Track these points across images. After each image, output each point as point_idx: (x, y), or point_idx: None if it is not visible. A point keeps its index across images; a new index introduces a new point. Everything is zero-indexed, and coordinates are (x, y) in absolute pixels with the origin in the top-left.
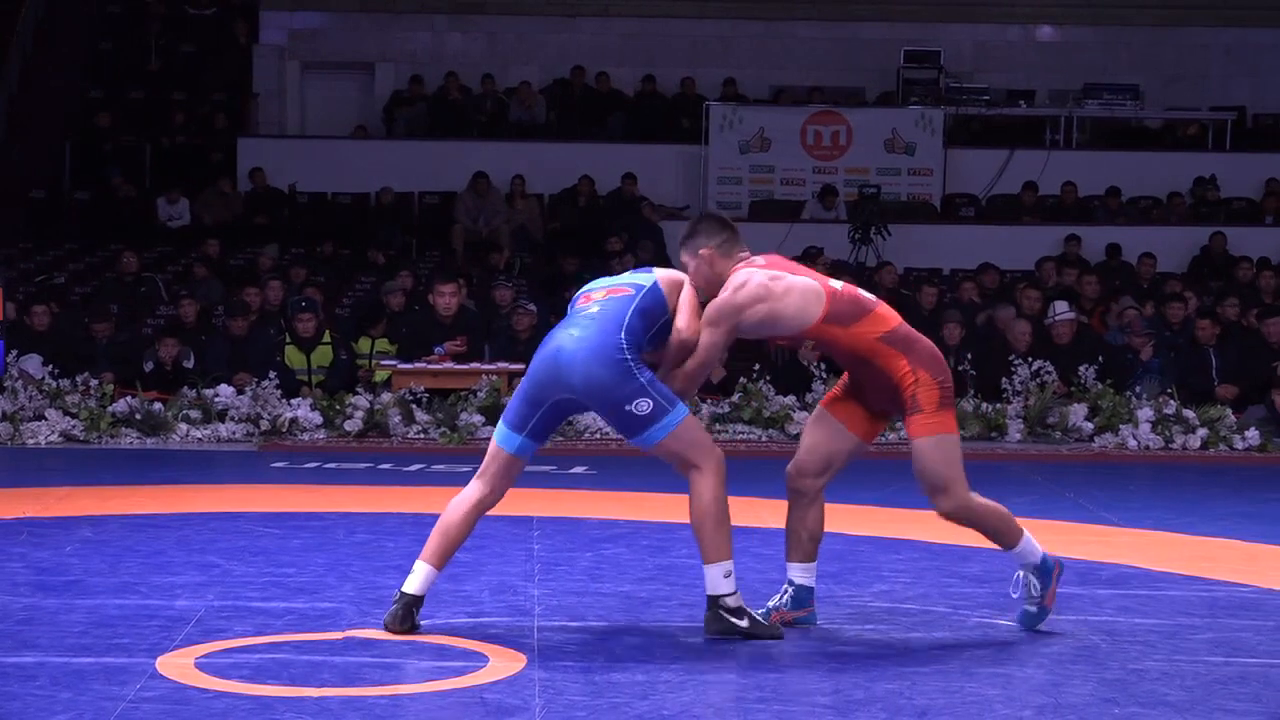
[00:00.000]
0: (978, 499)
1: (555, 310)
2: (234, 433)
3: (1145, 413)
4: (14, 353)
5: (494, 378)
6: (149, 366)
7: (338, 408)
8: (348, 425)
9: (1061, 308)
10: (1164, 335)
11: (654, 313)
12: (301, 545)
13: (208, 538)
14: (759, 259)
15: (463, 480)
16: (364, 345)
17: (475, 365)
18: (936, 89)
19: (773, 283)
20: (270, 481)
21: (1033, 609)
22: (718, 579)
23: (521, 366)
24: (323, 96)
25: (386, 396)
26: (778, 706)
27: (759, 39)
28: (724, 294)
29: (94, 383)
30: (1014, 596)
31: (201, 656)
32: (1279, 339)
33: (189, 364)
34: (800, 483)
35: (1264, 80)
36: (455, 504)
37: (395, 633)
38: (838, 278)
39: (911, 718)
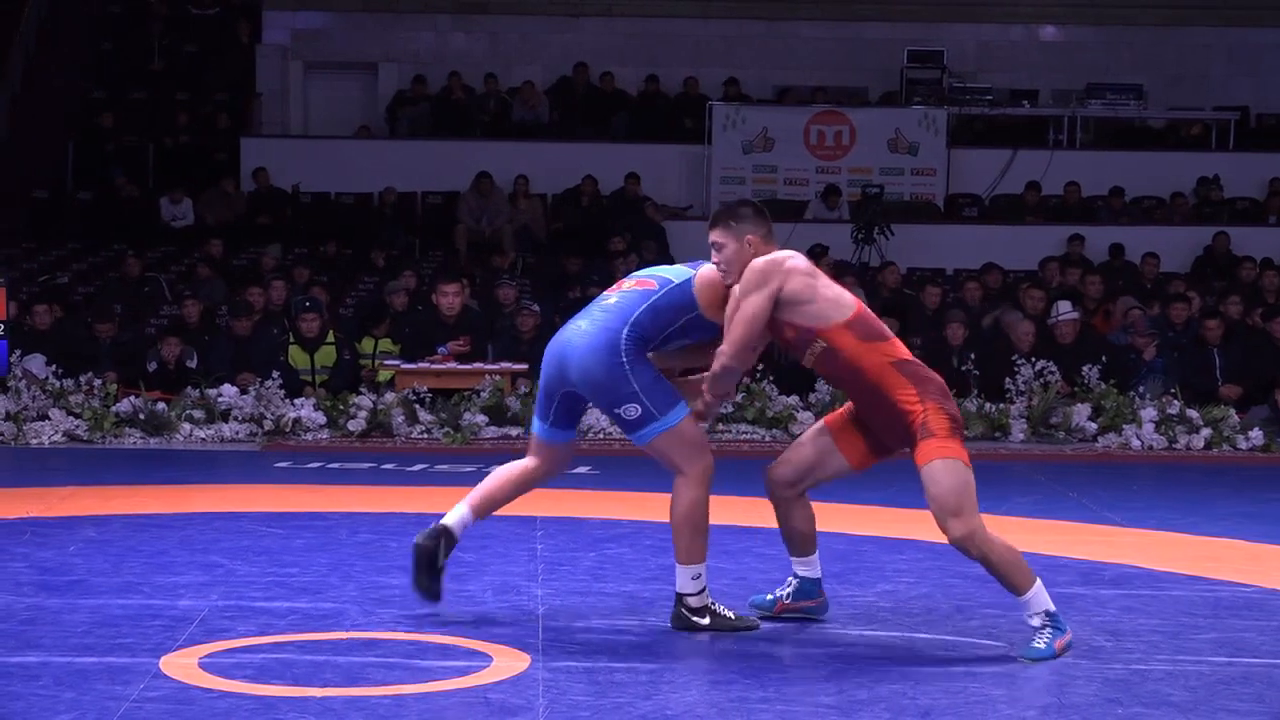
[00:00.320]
0: (995, 534)
1: (559, 310)
2: (237, 433)
3: (1149, 413)
4: (17, 352)
5: (497, 378)
6: (152, 366)
7: (341, 408)
8: (351, 425)
9: (1065, 308)
10: (1167, 335)
11: (675, 310)
12: (305, 545)
13: (211, 537)
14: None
15: (466, 480)
16: (367, 345)
17: (478, 365)
18: (940, 89)
19: (816, 268)
20: (273, 481)
21: (1041, 645)
22: (686, 580)
23: (524, 367)
24: (326, 96)
25: (390, 396)
26: (781, 706)
27: (762, 39)
28: (767, 258)
29: (97, 383)
30: (1032, 624)
31: (205, 656)
32: None
33: (192, 364)
34: (773, 488)
35: (1267, 80)
36: (508, 465)
37: (418, 543)
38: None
39: (915, 718)
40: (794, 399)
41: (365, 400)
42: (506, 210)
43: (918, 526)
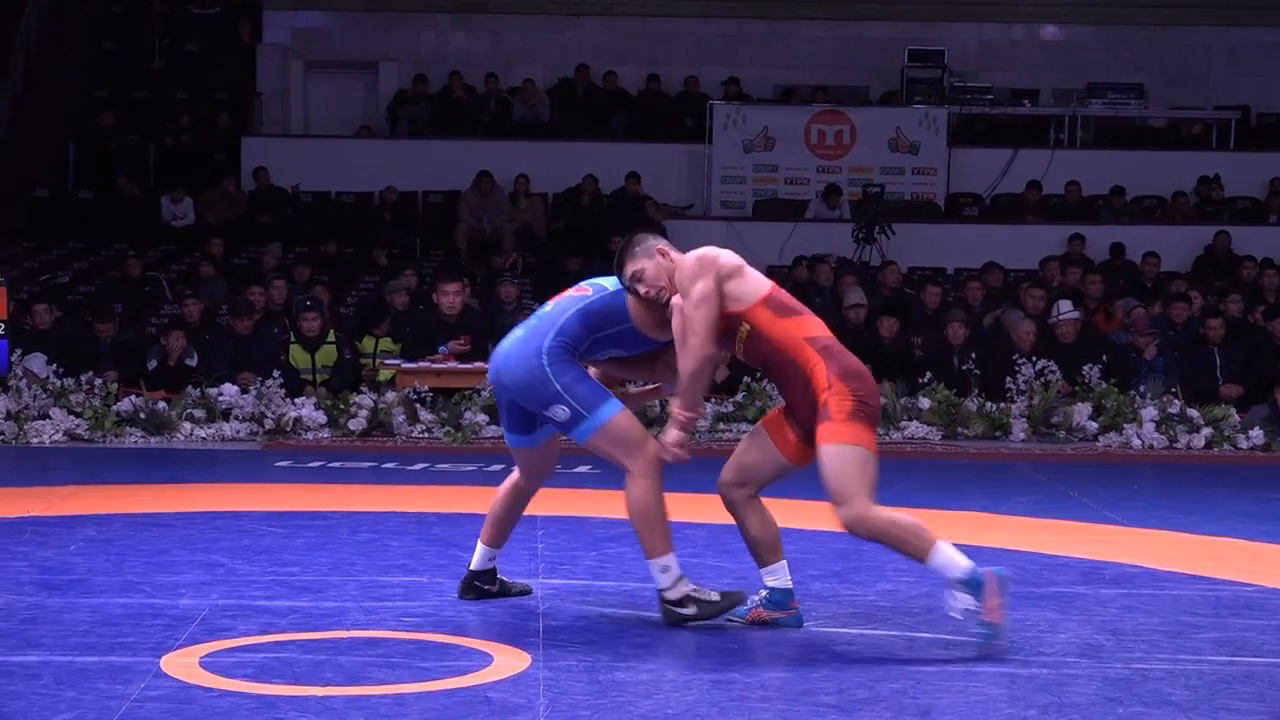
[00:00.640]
0: (882, 512)
1: None
2: (238, 432)
3: (1149, 412)
4: (18, 351)
5: None
6: (153, 364)
7: (342, 407)
8: (352, 424)
9: (1065, 307)
10: (1168, 335)
11: (605, 316)
12: (305, 544)
13: (212, 537)
14: None
15: (466, 479)
16: (368, 344)
17: (479, 364)
18: (940, 88)
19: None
20: (274, 481)
21: (980, 629)
22: (656, 574)
23: None
24: (327, 96)
25: (390, 395)
26: (781, 706)
27: (763, 38)
28: (695, 254)
29: (98, 382)
30: (956, 618)
31: (205, 655)
32: None
33: (192, 362)
34: (722, 491)
35: (1268, 79)
36: (500, 488)
37: (460, 597)
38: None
39: (915, 717)
40: None
41: (366, 399)
42: (507, 209)
43: None
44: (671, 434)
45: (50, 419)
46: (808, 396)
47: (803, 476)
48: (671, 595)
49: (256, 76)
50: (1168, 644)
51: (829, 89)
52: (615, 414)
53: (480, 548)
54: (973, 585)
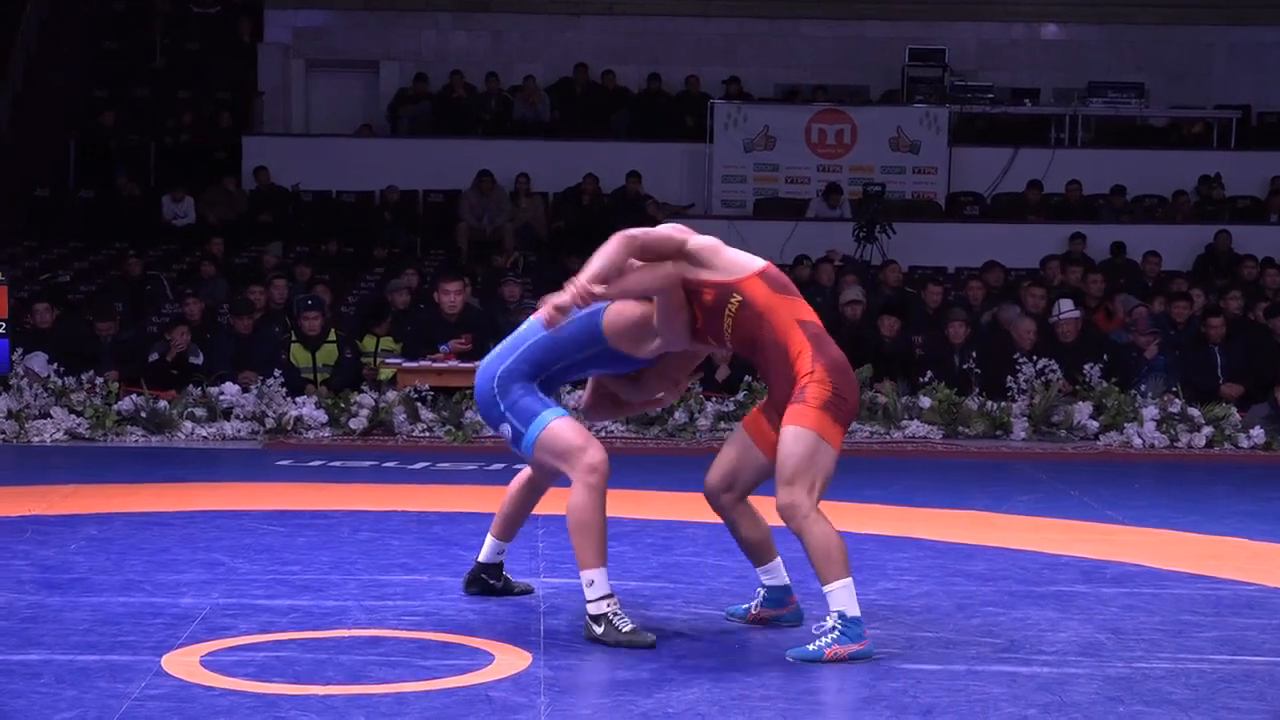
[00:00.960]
0: (820, 514)
1: None
2: (239, 431)
3: (1150, 411)
4: (19, 351)
5: None
6: (153, 358)
7: (343, 406)
8: (353, 423)
9: (1066, 306)
10: (1168, 334)
11: (576, 342)
12: (306, 543)
13: (212, 535)
14: None
15: (467, 479)
16: (369, 343)
17: (480, 364)
18: (941, 87)
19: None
20: (275, 479)
21: (811, 647)
22: (584, 585)
23: None
24: (327, 95)
25: (391, 395)
26: (782, 704)
27: (764, 37)
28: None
29: (99, 381)
30: (814, 631)
31: (206, 654)
32: None
33: (196, 360)
34: (709, 497)
35: (1268, 79)
36: (513, 481)
37: (465, 590)
38: None
39: (916, 716)
40: None
41: (367, 398)
42: (508, 209)
43: (919, 525)
44: (557, 296)
45: (51, 418)
46: (789, 379)
47: None
48: (590, 609)
49: (257, 75)
50: (1169, 643)
51: (830, 88)
52: (551, 422)
53: (490, 540)
54: (849, 629)
